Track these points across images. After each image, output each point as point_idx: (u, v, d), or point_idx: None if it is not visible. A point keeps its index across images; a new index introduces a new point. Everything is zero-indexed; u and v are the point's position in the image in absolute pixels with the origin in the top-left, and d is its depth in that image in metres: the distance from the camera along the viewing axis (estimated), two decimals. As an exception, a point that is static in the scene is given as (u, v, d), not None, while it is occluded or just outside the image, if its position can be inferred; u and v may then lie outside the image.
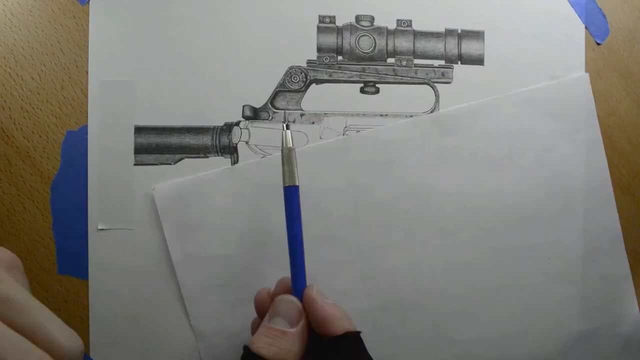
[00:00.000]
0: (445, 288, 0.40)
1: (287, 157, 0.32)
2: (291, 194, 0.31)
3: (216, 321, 0.38)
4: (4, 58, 0.37)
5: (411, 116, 0.40)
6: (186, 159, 0.38)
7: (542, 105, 0.41)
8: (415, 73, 0.40)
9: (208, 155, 0.38)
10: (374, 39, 0.40)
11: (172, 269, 0.38)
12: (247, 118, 0.39)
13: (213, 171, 0.38)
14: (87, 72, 0.37)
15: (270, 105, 0.39)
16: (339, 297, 0.36)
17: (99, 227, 0.37)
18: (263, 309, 0.32)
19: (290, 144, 0.32)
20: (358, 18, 0.40)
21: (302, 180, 0.34)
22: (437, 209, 0.40)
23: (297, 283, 0.31)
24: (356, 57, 0.40)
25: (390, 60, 0.40)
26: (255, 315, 0.34)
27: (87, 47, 0.37)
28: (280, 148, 0.33)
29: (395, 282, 0.39)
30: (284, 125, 0.33)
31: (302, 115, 0.39)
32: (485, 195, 0.40)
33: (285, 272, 0.32)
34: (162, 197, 0.37)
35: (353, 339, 0.29)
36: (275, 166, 0.37)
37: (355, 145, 0.39)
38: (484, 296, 0.40)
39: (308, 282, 0.31)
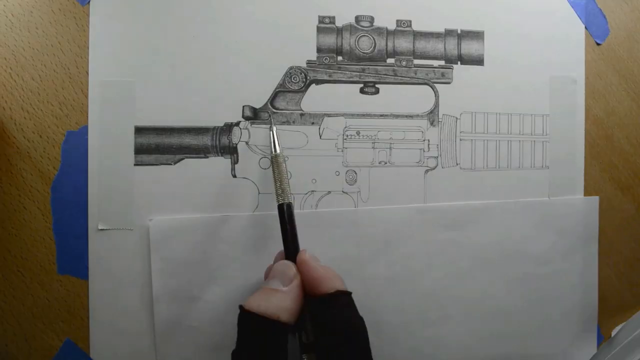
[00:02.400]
0: None
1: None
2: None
3: None
4: (5, 58, 0.37)
5: (412, 117, 0.40)
6: (186, 159, 0.38)
7: (549, 218, 0.42)
8: (415, 73, 0.40)
9: (208, 155, 0.38)
10: (374, 39, 0.40)
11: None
12: (247, 118, 0.39)
13: (210, 215, 0.38)
14: (87, 73, 0.38)
15: (270, 106, 0.39)
16: None
17: (99, 227, 0.37)
18: None
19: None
20: (358, 18, 0.40)
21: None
22: (428, 296, 0.40)
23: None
24: (356, 57, 0.40)
25: (390, 60, 0.40)
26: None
27: (87, 48, 0.38)
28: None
29: None
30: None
31: (302, 115, 0.39)
32: (475, 295, 0.41)
33: None
34: (157, 231, 0.37)
35: (343, 297, 0.30)
36: (266, 223, 0.38)
37: (360, 218, 0.39)
38: None
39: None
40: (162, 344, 0.37)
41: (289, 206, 0.33)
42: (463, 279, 0.41)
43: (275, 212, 0.33)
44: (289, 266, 0.31)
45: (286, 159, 0.39)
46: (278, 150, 0.35)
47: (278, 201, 0.33)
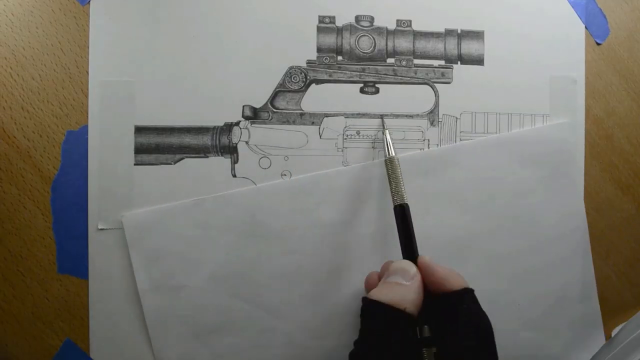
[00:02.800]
0: None
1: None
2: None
3: (180, 351, 0.37)
4: (5, 58, 0.37)
5: (412, 117, 0.40)
6: (186, 159, 0.38)
7: (523, 149, 0.41)
8: (415, 73, 0.40)
9: (208, 155, 0.38)
10: (374, 39, 0.40)
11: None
12: (247, 118, 0.39)
13: (182, 202, 0.38)
14: (87, 72, 0.38)
15: (270, 106, 0.39)
16: (305, 334, 0.38)
17: (99, 227, 0.37)
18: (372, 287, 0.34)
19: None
20: (358, 18, 0.40)
21: (273, 217, 0.37)
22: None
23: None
24: (356, 57, 0.40)
25: (390, 60, 0.40)
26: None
27: (88, 47, 0.38)
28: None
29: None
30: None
31: (301, 115, 0.39)
32: (459, 238, 0.40)
33: (250, 307, 0.36)
34: (131, 226, 0.37)
35: (469, 294, 0.31)
36: (243, 201, 0.38)
37: (328, 181, 0.39)
38: None
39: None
40: (156, 338, 0.37)
41: (406, 207, 0.34)
42: (447, 225, 0.40)
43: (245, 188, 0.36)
44: (409, 264, 0.32)
45: (286, 158, 0.39)
46: (393, 153, 0.36)
47: (395, 202, 0.34)
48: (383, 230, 0.39)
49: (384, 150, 0.37)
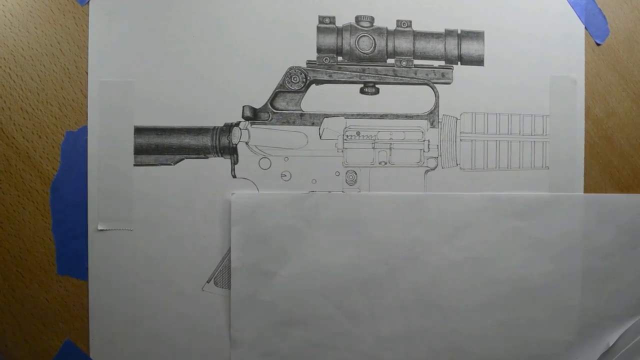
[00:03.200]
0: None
1: None
2: None
3: (256, 336, 0.38)
4: (4, 59, 0.37)
5: (412, 117, 0.40)
6: (186, 160, 0.38)
7: (612, 213, 0.42)
8: (415, 74, 0.40)
9: (208, 155, 0.38)
10: (374, 39, 0.40)
11: (171, 269, 0.38)
12: (247, 119, 0.39)
13: (292, 192, 0.38)
14: (86, 73, 0.37)
15: (270, 106, 0.39)
16: (380, 344, 0.40)
17: (99, 228, 0.37)
18: None
19: None
20: (358, 19, 0.40)
21: (371, 226, 0.39)
22: (494, 283, 0.41)
23: None
24: (356, 57, 0.40)
25: (390, 60, 0.40)
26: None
27: (87, 48, 0.37)
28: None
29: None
30: None
31: (302, 115, 0.39)
32: (539, 284, 0.41)
33: (331, 307, 0.39)
34: (238, 203, 0.38)
35: None
36: (352, 202, 0.39)
37: (432, 203, 0.40)
38: None
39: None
40: (236, 317, 0.38)
41: None
42: (527, 269, 0.41)
43: (354, 193, 0.38)
44: None
45: (286, 159, 0.39)
46: None
47: None
48: (469, 260, 0.40)
49: None
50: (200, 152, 0.38)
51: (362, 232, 0.39)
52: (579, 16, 0.42)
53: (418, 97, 0.40)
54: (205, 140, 0.38)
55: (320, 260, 0.39)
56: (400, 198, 0.39)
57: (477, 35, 0.41)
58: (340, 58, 0.40)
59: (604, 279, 0.41)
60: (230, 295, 0.38)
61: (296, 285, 0.38)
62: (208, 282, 0.38)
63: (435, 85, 0.40)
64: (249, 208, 0.38)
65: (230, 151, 0.38)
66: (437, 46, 0.41)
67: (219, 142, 0.38)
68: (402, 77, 0.40)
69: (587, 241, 0.41)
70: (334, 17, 0.39)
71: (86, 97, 0.37)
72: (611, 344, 0.42)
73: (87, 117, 0.37)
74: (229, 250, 0.38)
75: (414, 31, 0.40)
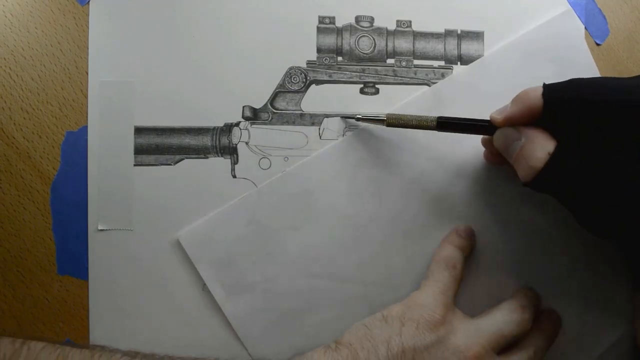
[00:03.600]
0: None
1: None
2: None
3: (272, 342, 0.38)
4: (4, 59, 0.37)
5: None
6: (186, 160, 0.38)
7: (533, 50, 0.41)
8: (415, 74, 0.40)
9: (208, 155, 0.38)
10: (374, 39, 0.40)
11: (171, 270, 0.38)
12: (247, 119, 0.39)
13: (229, 203, 0.38)
14: (87, 73, 0.38)
15: (270, 106, 0.39)
16: (382, 289, 0.39)
17: (99, 228, 0.37)
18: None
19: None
20: (358, 19, 0.40)
21: (311, 196, 0.38)
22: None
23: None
24: (356, 57, 0.40)
25: (390, 61, 0.40)
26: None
27: (87, 48, 0.37)
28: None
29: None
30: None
31: (301, 115, 0.39)
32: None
33: (324, 282, 0.38)
34: (190, 243, 0.37)
35: (551, 86, 0.31)
36: (288, 185, 0.38)
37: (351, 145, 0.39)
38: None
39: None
40: (246, 339, 0.38)
41: (442, 117, 0.34)
42: None
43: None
44: (502, 130, 0.33)
45: (286, 158, 0.39)
46: (384, 115, 0.36)
47: (433, 127, 0.34)
48: (421, 185, 0.40)
49: (376, 124, 0.38)
50: (201, 152, 0.38)
51: (309, 204, 0.39)
52: (579, 16, 0.42)
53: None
54: (206, 140, 0.38)
55: (289, 248, 0.38)
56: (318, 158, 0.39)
57: (477, 35, 0.41)
58: (340, 58, 0.40)
59: None
60: (229, 321, 0.38)
61: (282, 281, 0.38)
62: (208, 282, 0.38)
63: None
64: (201, 241, 0.38)
65: (230, 151, 0.38)
66: (437, 46, 0.41)
67: (219, 142, 0.38)
68: (402, 77, 0.40)
69: None
70: (334, 17, 0.40)
71: (86, 97, 0.37)
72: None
73: (87, 117, 0.37)
74: (229, 250, 0.38)
75: (413, 31, 0.40)
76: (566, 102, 0.29)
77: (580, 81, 0.30)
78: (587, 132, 0.29)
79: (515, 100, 0.32)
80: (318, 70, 0.39)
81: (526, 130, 0.31)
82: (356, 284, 0.39)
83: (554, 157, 0.29)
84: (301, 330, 0.38)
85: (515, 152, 0.31)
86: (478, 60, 0.41)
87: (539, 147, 0.29)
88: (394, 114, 0.36)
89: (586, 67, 0.42)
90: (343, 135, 0.40)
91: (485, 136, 0.36)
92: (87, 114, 0.37)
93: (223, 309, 0.38)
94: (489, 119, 0.34)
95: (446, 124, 0.35)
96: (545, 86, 0.30)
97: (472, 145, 0.39)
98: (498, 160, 0.36)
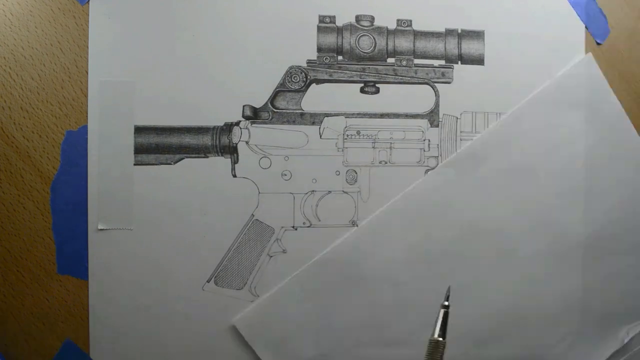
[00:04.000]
0: None
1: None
2: None
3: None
4: (4, 58, 0.37)
5: (412, 116, 0.40)
6: (186, 159, 0.38)
7: (559, 100, 0.41)
8: (415, 73, 0.40)
9: (208, 155, 0.38)
10: (374, 38, 0.40)
11: (171, 269, 0.38)
12: (247, 118, 0.39)
13: (282, 285, 0.39)
14: (86, 72, 0.37)
15: (270, 105, 0.39)
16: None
17: (99, 227, 0.37)
18: None
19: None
20: (358, 18, 0.40)
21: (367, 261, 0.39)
22: (490, 239, 0.41)
23: None
24: (356, 57, 0.40)
25: (391, 60, 0.40)
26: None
27: (87, 47, 0.37)
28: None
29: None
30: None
31: (302, 115, 0.39)
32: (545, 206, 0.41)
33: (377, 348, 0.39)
34: (246, 328, 0.38)
35: None
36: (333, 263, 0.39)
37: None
38: None
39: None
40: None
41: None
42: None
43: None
44: None
45: (287, 158, 0.39)
46: (439, 337, 0.32)
47: None
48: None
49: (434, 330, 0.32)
50: (201, 152, 0.38)
51: (355, 274, 0.40)
52: (579, 16, 0.42)
53: (418, 97, 0.40)
54: (206, 140, 0.38)
55: (339, 319, 0.40)
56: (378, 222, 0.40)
57: (477, 35, 0.41)
58: (340, 57, 0.40)
59: None
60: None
61: (334, 347, 0.39)
62: (208, 281, 0.38)
63: (436, 84, 0.40)
64: (257, 324, 0.38)
65: (231, 150, 0.38)
66: (437, 45, 0.41)
67: (219, 142, 0.38)
68: (402, 76, 0.40)
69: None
70: (334, 17, 0.39)
71: (86, 96, 0.37)
72: (626, 340, 0.41)
73: (87, 116, 0.37)
74: (229, 250, 0.38)
75: (414, 30, 0.40)
76: None
77: None
78: None
79: None
80: (318, 70, 0.39)
81: None
82: (407, 346, 0.40)
83: None
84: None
85: None
86: (509, 114, 0.41)
87: None
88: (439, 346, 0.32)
89: (611, 108, 0.42)
90: (343, 134, 0.39)
91: None
92: (87, 113, 0.37)
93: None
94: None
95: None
96: None
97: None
98: None
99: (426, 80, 0.40)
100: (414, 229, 0.40)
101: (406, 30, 0.40)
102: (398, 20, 0.40)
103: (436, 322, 0.32)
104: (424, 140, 0.40)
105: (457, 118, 0.41)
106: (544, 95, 0.41)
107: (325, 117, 0.39)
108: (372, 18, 0.40)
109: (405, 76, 0.40)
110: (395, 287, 0.40)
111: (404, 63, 0.40)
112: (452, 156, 0.40)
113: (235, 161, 0.38)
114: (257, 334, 0.38)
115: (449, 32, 0.41)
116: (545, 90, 0.41)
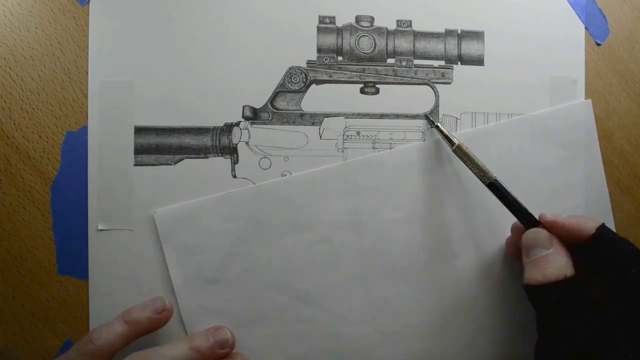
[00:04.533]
0: (446, 314, 0.40)
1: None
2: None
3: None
4: (4, 58, 0.37)
5: (412, 117, 0.40)
6: (186, 160, 0.38)
7: (543, 131, 0.41)
8: (415, 73, 0.40)
9: (208, 155, 0.38)
10: (374, 39, 0.40)
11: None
12: (247, 118, 0.39)
13: (212, 196, 0.38)
14: (86, 73, 0.37)
15: (270, 106, 0.39)
16: (341, 321, 0.38)
17: (99, 228, 0.37)
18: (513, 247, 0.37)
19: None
20: (358, 18, 0.40)
21: (303, 207, 0.38)
22: (438, 234, 0.40)
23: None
24: (356, 57, 0.40)
25: (390, 60, 0.40)
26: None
27: (87, 48, 0.37)
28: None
29: (398, 309, 0.39)
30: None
31: (302, 115, 0.39)
32: (484, 221, 0.40)
33: (285, 297, 0.38)
34: (163, 221, 0.37)
35: (604, 228, 0.32)
36: (272, 191, 0.38)
37: (357, 169, 0.39)
38: (483, 325, 0.40)
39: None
40: (192, 331, 0.37)
41: (497, 182, 0.35)
42: (475, 209, 0.40)
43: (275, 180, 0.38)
44: (539, 232, 0.33)
45: (286, 158, 0.39)
46: (456, 141, 0.37)
47: (485, 182, 0.35)
48: (411, 215, 0.39)
49: (445, 141, 0.38)
50: (201, 152, 0.38)
51: (297, 216, 0.38)
52: (579, 16, 0.42)
53: (418, 97, 0.40)
54: (206, 140, 0.38)
55: (259, 255, 0.38)
56: (322, 173, 0.39)
57: (477, 35, 0.41)
58: (340, 58, 0.40)
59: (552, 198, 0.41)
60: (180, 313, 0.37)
61: (242, 285, 0.38)
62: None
63: (435, 85, 0.40)
64: (175, 223, 0.37)
65: (231, 151, 0.38)
66: (437, 46, 0.41)
67: (219, 142, 0.38)
68: (402, 77, 0.40)
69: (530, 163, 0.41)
70: (334, 17, 0.40)
71: (86, 97, 0.37)
72: None
73: (87, 117, 0.37)
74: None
75: (414, 31, 0.40)
76: (608, 249, 0.31)
77: (631, 247, 0.32)
78: (604, 287, 0.31)
79: (573, 216, 0.33)
80: (318, 70, 0.39)
81: (559, 245, 0.32)
82: (317, 307, 0.39)
83: (567, 282, 0.30)
84: (250, 339, 0.38)
85: (536, 256, 0.32)
86: (489, 125, 0.41)
87: (562, 265, 0.31)
88: (465, 147, 0.37)
89: (593, 158, 0.42)
90: (343, 135, 0.39)
91: (518, 225, 0.36)
92: (87, 113, 0.37)
93: (177, 295, 0.37)
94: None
95: (496, 189, 0.35)
96: (602, 225, 0.32)
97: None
98: (513, 252, 0.38)
99: (426, 81, 0.40)
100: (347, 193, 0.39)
101: (406, 31, 0.40)
102: (398, 20, 0.40)
103: (444, 136, 0.38)
104: (424, 140, 0.40)
105: (456, 119, 0.41)
106: (528, 121, 0.41)
107: (325, 118, 0.39)
108: (372, 19, 0.40)
109: (405, 77, 0.40)
110: (322, 242, 0.39)
111: (404, 64, 0.40)
112: (428, 141, 0.40)
113: (235, 162, 0.38)
114: (172, 231, 0.37)
115: (449, 33, 0.41)
116: (531, 117, 0.41)
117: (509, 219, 0.36)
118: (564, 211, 0.37)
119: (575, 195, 0.41)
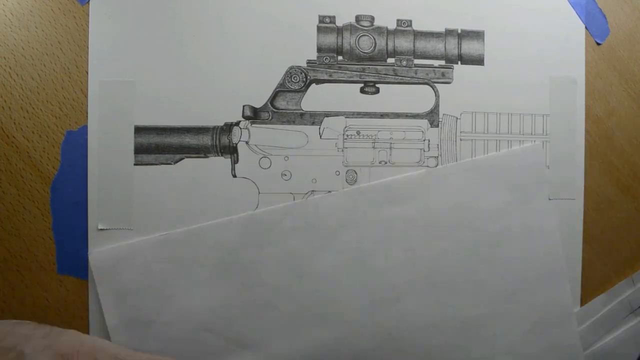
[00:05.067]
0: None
1: None
2: None
3: None
4: (4, 58, 0.37)
5: (412, 116, 0.40)
6: (186, 159, 0.38)
7: (494, 173, 0.41)
8: (415, 73, 0.40)
9: (208, 155, 0.38)
10: (374, 39, 0.40)
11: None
12: (247, 118, 0.39)
13: (149, 236, 0.37)
14: (87, 72, 0.37)
15: (270, 105, 0.39)
16: None
17: (99, 227, 0.37)
18: None
19: None
20: (358, 18, 0.40)
21: (239, 250, 0.38)
22: (381, 278, 0.39)
23: None
24: (356, 57, 0.40)
25: (390, 60, 0.40)
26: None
27: (87, 47, 0.37)
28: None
29: (339, 351, 0.39)
30: None
31: (302, 115, 0.39)
32: (430, 266, 0.40)
33: (221, 340, 0.38)
34: (98, 264, 0.37)
35: None
36: (213, 235, 0.38)
37: (297, 212, 0.39)
38: None
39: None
40: None
41: None
42: (417, 252, 0.40)
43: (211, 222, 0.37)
44: None
45: (287, 158, 0.39)
46: None
47: None
48: (350, 262, 0.39)
49: None
50: (201, 152, 0.38)
51: (235, 258, 0.38)
52: (579, 16, 0.42)
53: (418, 97, 0.40)
54: (206, 140, 0.38)
55: (196, 298, 0.38)
56: (259, 217, 0.38)
57: (477, 35, 0.41)
58: (340, 57, 0.40)
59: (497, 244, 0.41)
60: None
61: (177, 327, 0.37)
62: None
63: (436, 84, 0.40)
64: (110, 265, 0.37)
65: (231, 150, 0.38)
66: (437, 45, 0.41)
67: (219, 142, 0.38)
68: (402, 76, 0.40)
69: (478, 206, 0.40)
70: (334, 17, 0.40)
71: (86, 96, 0.37)
72: None
73: (87, 116, 0.37)
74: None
75: (414, 30, 0.40)
76: None
77: None
78: None
79: None
80: (318, 70, 0.39)
81: None
82: (254, 351, 0.38)
83: None
84: None
85: None
86: (430, 169, 0.40)
87: None
88: None
89: (541, 202, 0.41)
90: (343, 135, 0.39)
91: None
92: (87, 113, 0.37)
93: (111, 337, 0.37)
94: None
95: None
96: None
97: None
98: None
99: (426, 81, 0.40)
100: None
101: (406, 31, 0.40)
102: (398, 20, 0.40)
103: None
104: (424, 140, 0.40)
105: (457, 118, 0.41)
106: (475, 164, 0.41)
107: (325, 117, 0.39)
108: (372, 18, 0.40)
109: (405, 76, 0.40)
110: (258, 285, 0.38)
111: (404, 63, 0.40)
112: (370, 185, 0.40)
113: (235, 161, 0.38)
114: (108, 274, 0.37)
115: (449, 32, 0.41)
116: (481, 160, 0.41)
117: (455, 263, 0.36)
118: (514, 255, 0.38)
119: (525, 239, 0.41)
